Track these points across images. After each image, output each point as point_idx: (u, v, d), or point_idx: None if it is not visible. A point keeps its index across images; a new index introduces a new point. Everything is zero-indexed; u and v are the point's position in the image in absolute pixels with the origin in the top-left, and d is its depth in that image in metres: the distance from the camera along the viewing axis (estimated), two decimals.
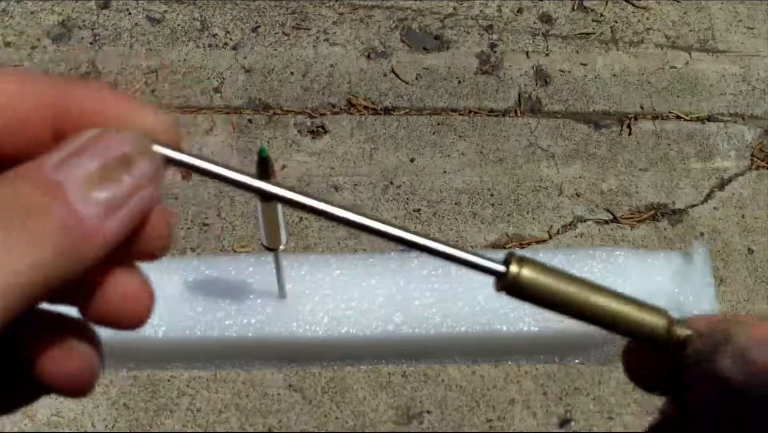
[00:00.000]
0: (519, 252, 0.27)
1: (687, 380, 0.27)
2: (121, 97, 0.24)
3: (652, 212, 1.51)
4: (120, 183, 0.22)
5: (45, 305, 0.23)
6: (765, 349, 0.26)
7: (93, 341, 0.25)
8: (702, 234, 1.50)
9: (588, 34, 1.75)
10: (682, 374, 0.27)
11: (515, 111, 1.62)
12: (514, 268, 0.26)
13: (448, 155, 1.55)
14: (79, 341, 0.25)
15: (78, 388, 0.24)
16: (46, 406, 1.26)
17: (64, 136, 0.23)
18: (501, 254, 0.27)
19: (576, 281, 0.27)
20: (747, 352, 0.26)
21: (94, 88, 0.23)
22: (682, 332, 0.27)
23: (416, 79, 1.65)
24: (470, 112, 1.62)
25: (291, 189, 0.25)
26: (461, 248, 0.26)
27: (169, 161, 0.24)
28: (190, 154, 0.24)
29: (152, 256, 0.25)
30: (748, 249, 1.48)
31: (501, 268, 0.27)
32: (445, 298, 1.27)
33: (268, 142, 1.54)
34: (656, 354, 0.28)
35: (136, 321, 0.24)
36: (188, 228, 1.44)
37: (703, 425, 0.27)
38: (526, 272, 0.26)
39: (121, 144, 0.22)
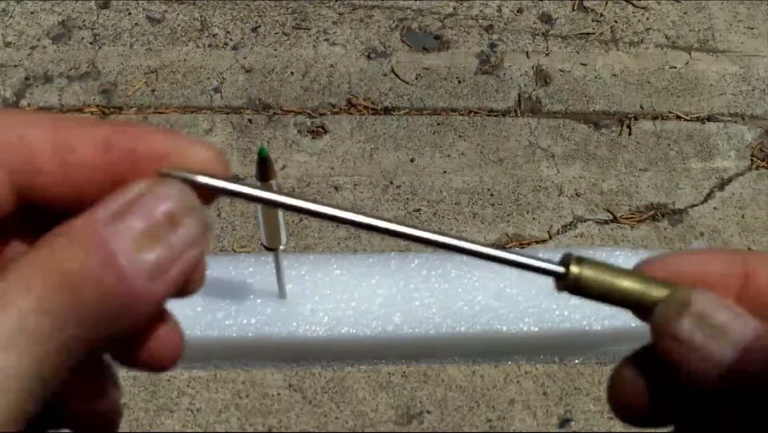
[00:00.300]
0: (577, 253, 0.29)
1: (655, 344, 0.27)
2: (170, 135, 0.23)
3: (652, 212, 1.51)
4: (167, 245, 0.22)
5: None
6: (723, 309, 0.26)
7: (116, 382, 0.25)
8: (702, 234, 1.50)
9: (588, 34, 1.75)
10: (652, 338, 0.27)
11: (515, 111, 1.62)
12: (574, 268, 0.28)
13: (448, 155, 1.55)
14: (107, 382, 0.25)
15: (104, 431, 0.25)
16: None
17: (117, 178, 0.23)
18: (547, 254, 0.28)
19: (633, 276, 0.28)
20: (706, 314, 0.26)
21: (143, 129, 0.24)
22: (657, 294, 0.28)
23: (416, 79, 1.65)
24: (470, 112, 1.62)
25: (353, 210, 0.26)
26: (517, 252, 0.27)
27: (222, 192, 0.24)
28: (242, 184, 0.24)
29: (186, 295, 0.25)
30: (748, 249, 1.48)
31: (561, 269, 0.28)
32: (445, 298, 1.27)
33: (268, 142, 1.54)
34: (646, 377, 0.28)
35: (167, 365, 0.25)
36: None
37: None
38: (587, 272, 0.28)
39: (167, 201, 0.22)
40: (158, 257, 0.21)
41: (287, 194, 0.26)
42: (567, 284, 0.28)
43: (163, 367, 0.24)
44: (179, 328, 0.25)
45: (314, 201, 0.26)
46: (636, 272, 0.28)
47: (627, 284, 0.28)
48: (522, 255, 0.28)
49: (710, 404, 0.26)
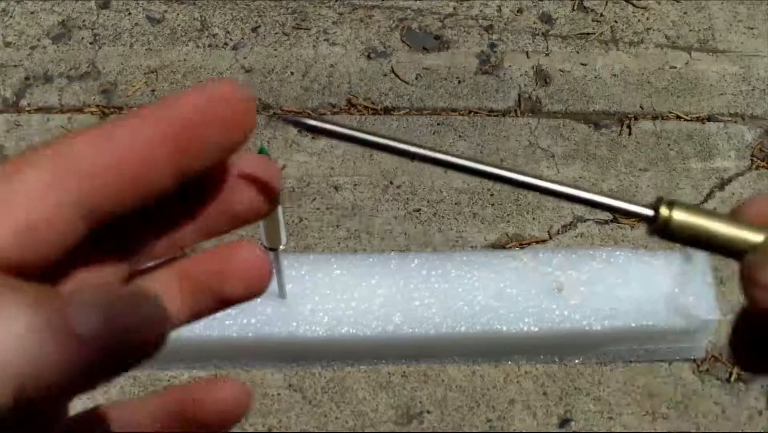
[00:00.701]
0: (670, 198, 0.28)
1: (744, 294, 0.26)
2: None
3: None
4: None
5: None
6: None
7: None
8: None
9: (588, 34, 1.75)
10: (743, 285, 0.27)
11: (515, 111, 1.62)
12: (664, 211, 0.27)
13: None
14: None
15: None
16: None
17: (183, 165, 0.23)
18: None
19: (727, 221, 0.27)
20: None
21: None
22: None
23: (416, 79, 1.65)
24: (470, 112, 1.62)
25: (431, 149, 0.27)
26: (609, 195, 0.27)
27: (316, 130, 0.26)
28: (346, 127, 0.27)
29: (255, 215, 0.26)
30: None
31: (650, 212, 0.28)
32: (445, 298, 1.27)
33: (268, 142, 1.54)
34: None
35: (258, 291, 0.26)
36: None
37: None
38: (678, 215, 0.27)
39: None
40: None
41: (389, 136, 0.27)
42: (657, 227, 0.27)
43: (255, 293, 0.26)
44: (259, 252, 0.26)
45: (420, 146, 0.27)
46: (731, 216, 0.28)
47: (720, 228, 0.27)
48: (613, 198, 0.27)
49: None
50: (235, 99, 0.23)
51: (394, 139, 0.27)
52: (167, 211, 0.25)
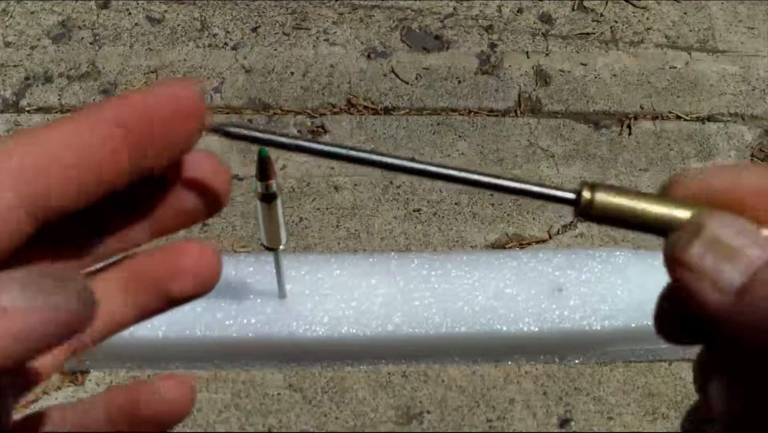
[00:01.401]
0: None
1: (668, 272, 0.26)
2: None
3: None
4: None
5: None
6: (738, 233, 0.24)
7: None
8: None
9: (588, 34, 1.75)
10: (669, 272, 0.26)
11: (515, 111, 1.62)
12: (586, 194, 0.28)
13: (448, 155, 1.55)
14: None
15: None
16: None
17: (139, 157, 0.23)
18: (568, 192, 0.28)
19: (655, 199, 0.27)
20: (719, 238, 0.24)
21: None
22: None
23: (416, 79, 1.65)
24: (470, 112, 1.62)
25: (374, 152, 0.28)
26: (532, 182, 0.28)
27: (234, 136, 0.27)
28: (271, 133, 0.27)
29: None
30: None
31: (571, 195, 0.28)
32: (445, 298, 1.27)
33: None
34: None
35: (208, 289, 0.26)
36: (188, 228, 1.44)
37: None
38: (600, 196, 0.28)
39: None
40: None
41: (313, 140, 0.27)
42: (581, 210, 0.28)
43: (205, 291, 0.26)
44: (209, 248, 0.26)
45: (346, 146, 0.27)
46: (659, 194, 0.28)
47: (647, 207, 0.27)
48: (536, 184, 0.28)
49: (728, 332, 0.24)
50: (185, 99, 0.23)
51: (323, 143, 0.27)
52: (117, 209, 0.25)
